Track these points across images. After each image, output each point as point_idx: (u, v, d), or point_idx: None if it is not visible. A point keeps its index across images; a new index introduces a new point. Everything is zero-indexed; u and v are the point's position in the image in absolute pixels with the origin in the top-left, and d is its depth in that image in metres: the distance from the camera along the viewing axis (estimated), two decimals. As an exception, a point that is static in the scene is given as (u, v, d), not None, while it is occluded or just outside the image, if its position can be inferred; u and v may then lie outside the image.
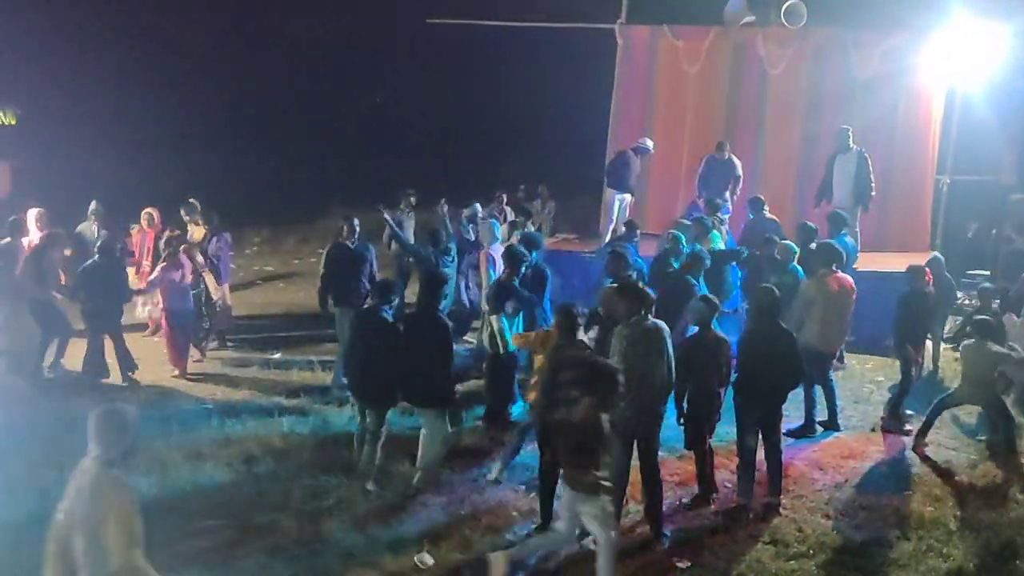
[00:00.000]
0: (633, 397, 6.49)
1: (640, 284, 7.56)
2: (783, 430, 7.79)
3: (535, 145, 23.89)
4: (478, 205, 13.18)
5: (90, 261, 10.44)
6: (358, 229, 10.37)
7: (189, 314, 10.91)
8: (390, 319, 7.88)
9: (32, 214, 11.36)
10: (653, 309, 7.07)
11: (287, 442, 8.60)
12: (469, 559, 6.60)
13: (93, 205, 12.27)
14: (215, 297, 11.65)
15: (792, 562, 6.67)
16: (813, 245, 10.30)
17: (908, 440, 8.98)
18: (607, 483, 5.92)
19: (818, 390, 9.19)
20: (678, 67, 15.03)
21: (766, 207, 12.21)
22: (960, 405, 9.07)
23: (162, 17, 25.82)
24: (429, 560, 6.56)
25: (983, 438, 8.92)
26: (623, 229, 12.45)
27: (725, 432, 7.85)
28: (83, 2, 25.44)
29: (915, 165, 14.28)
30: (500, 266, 9.91)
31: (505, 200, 14.65)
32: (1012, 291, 11.00)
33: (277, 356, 11.71)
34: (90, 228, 12.04)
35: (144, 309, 12.12)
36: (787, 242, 10.58)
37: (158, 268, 10.77)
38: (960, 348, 9.07)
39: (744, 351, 7.52)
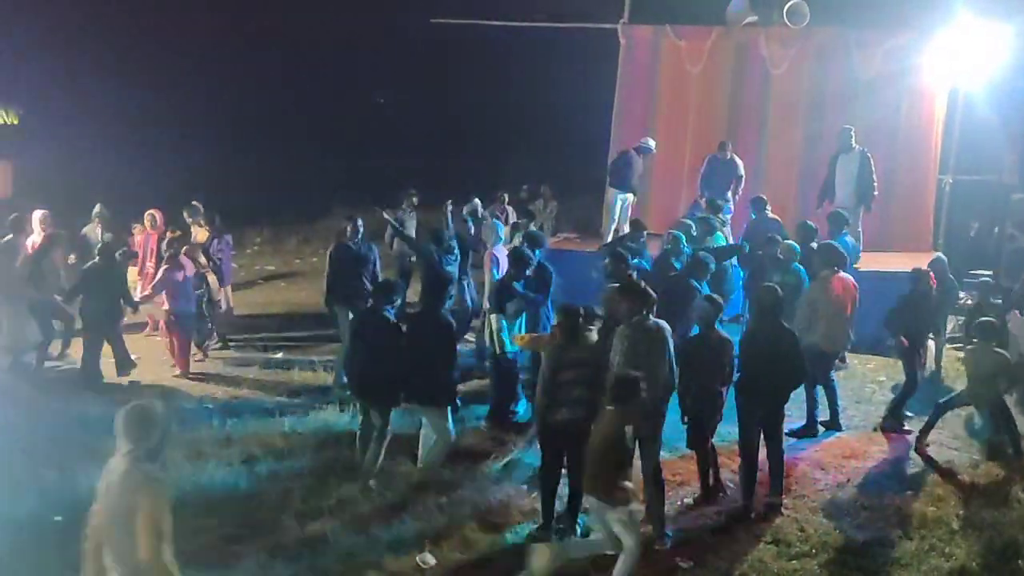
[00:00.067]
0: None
1: (642, 284, 7.55)
2: (785, 430, 7.78)
3: (537, 145, 23.87)
4: (477, 200, 13.17)
5: (90, 263, 10.44)
6: (361, 229, 10.37)
7: (192, 315, 10.92)
8: (392, 319, 7.88)
9: (37, 215, 11.37)
10: (655, 309, 7.06)
11: (288, 442, 8.60)
12: (470, 559, 6.59)
13: (97, 208, 12.24)
14: (217, 298, 11.65)
15: (794, 562, 6.66)
16: (814, 244, 10.29)
17: (910, 440, 8.97)
18: (633, 491, 5.96)
19: (820, 390, 9.18)
20: (680, 67, 15.03)
21: (768, 207, 12.20)
22: (964, 406, 9.06)
23: (163, 17, 25.81)
24: (431, 560, 6.54)
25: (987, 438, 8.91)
26: (626, 229, 12.44)
27: (727, 432, 7.84)
28: (84, 2, 25.46)
29: (917, 165, 14.28)
30: (503, 266, 9.90)
31: (507, 200, 14.64)
32: (1016, 289, 10.99)
33: (278, 356, 11.70)
34: (94, 231, 12.02)
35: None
36: (789, 242, 10.57)
37: (161, 270, 10.78)
38: (964, 352, 9.05)
39: (746, 351, 7.51)
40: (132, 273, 11.83)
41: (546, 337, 7.75)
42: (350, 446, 8.18)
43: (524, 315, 9.18)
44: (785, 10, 14.36)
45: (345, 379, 9.01)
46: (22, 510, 6.81)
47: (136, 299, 10.97)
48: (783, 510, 7.38)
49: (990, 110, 14.01)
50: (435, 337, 7.66)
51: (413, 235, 12.65)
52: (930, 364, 10.56)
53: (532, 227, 12.95)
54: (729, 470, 7.84)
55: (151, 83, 25.50)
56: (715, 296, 7.79)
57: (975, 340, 8.85)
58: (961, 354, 11.12)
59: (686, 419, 7.41)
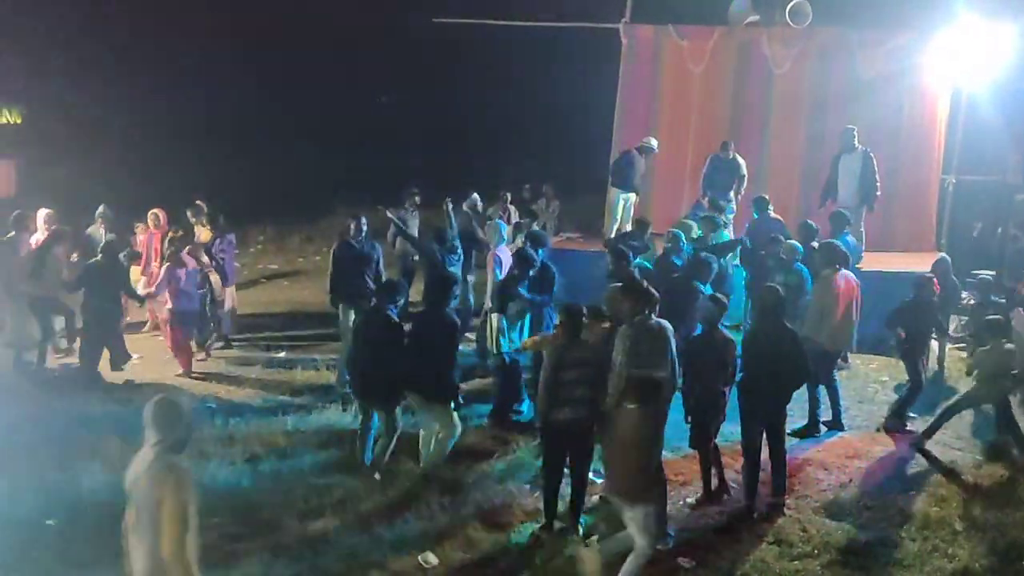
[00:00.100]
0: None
1: (644, 283, 7.56)
2: (787, 430, 7.78)
3: (539, 144, 23.87)
4: (476, 195, 13.16)
5: (93, 260, 10.46)
6: (365, 228, 10.37)
7: (195, 314, 10.92)
8: (395, 319, 7.89)
9: (41, 214, 11.38)
10: (657, 309, 7.07)
11: (290, 441, 8.61)
12: (473, 558, 6.59)
13: (100, 208, 12.25)
14: (220, 297, 11.66)
15: (796, 562, 6.66)
16: (815, 244, 10.28)
17: (913, 440, 8.96)
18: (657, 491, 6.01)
19: (822, 390, 9.17)
20: (683, 67, 15.03)
21: (771, 207, 12.19)
22: (973, 407, 9.04)
23: (166, 16, 25.81)
24: (433, 559, 6.55)
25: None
26: (629, 228, 12.43)
27: (729, 432, 7.84)
28: (87, 1, 25.47)
29: (920, 165, 14.26)
30: (506, 266, 9.91)
31: (509, 199, 14.65)
32: (1020, 289, 10.98)
33: (281, 355, 11.71)
34: (97, 231, 12.03)
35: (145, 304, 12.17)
36: (792, 242, 10.57)
37: (163, 268, 10.80)
38: (976, 353, 9.03)
39: (748, 351, 7.50)
40: (135, 273, 11.85)
41: (552, 337, 7.76)
42: (352, 445, 8.18)
43: (528, 316, 9.19)
44: (787, 10, 14.35)
45: (347, 378, 9.03)
46: (22, 509, 6.82)
47: (139, 294, 11.01)
48: (785, 510, 7.37)
49: (993, 110, 14.00)
50: (441, 336, 7.68)
51: (416, 234, 12.66)
52: (932, 364, 10.56)
53: (535, 227, 12.97)
54: (732, 470, 7.83)
55: (154, 82, 25.52)
56: (719, 296, 7.80)
57: (986, 339, 8.81)
58: (964, 354, 11.13)
59: (689, 419, 7.42)
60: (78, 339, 10.70)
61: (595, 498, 7.29)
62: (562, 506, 7.04)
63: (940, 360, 10.99)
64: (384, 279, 9.76)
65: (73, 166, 21.09)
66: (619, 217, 13.17)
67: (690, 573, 6.51)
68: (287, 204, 21.35)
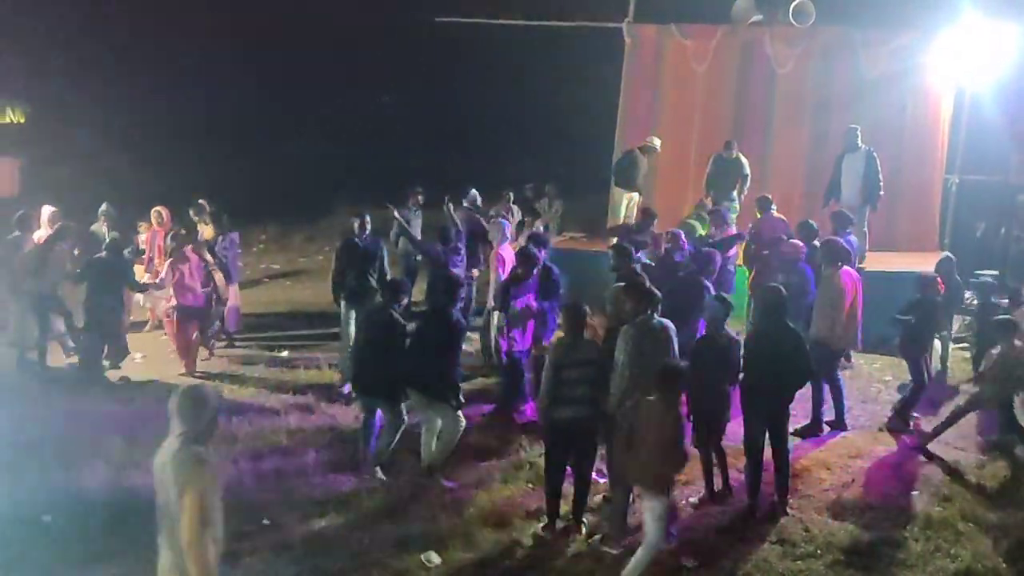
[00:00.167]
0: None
1: (647, 283, 7.55)
2: (790, 429, 7.77)
3: (542, 144, 23.84)
4: (475, 191, 13.16)
5: (96, 255, 10.47)
6: (369, 226, 10.37)
7: (198, 312, 10.93)
8: (399, 318, 7.89)
9: (45, 212, 11.39)
10: (659, 308, 7.06)
11: (293, 440, 8.61)
12: (475, 558, 6.58)
13: (104, 207, 12.27)
14: (224, 296, 11.66)
15: (799, 562, 6.64)
16: (816, 243, 10.27)
17: (916, 440, 8.94)
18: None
19: (826, 390, 9.15)
20: (686, 66, 15.02)
21: (774, 206, 12.18)
22: (982, 408, 9.02)
23: (167, 16, 25.82)
24: (436, 559, 6.54)
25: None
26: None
27: (732, 431, 7.82)
28: (90, 1, 25.49)
29: (924, 164, 14.24)
30: (509, 265, 9.90)
31: (512, 199, 14.64)
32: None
33: (284, 354, 11.71)
34: (100, 229, 12.05)
35: (147, 303, 12.17)
36: (795, 241, 10.56)
37: (166, 265, 10.81)
38: (985, 355, 9.01)
39: (751, 351, 7.48)
40: (139, 271, 11.87)
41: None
42: (355, 444, 8.18)
43: (533, 319, 9.20)
44: (791, 9, 14.34)
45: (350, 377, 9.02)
46: (22, 509, 6.82)
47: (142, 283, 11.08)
48: (788, 510, 7.36)
49: (996, 110, 14.00)
50: (446, 337, 7.68)
51: (419, 234, 12.66)
52: (936, 364, 10.54)
53: (537, 226, 12.98)
54: (735, 469, 7.82)
55: (156, 81, 25.53)
56: (725, 296, 7.79)
57: (995, 340, 8.77)
58: (967, 354, 11.12)
59: (692, 418, 7.40)
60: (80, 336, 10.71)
61: (598, 498, 7.29)
62: (565, 505, 7.02)
63: (943, 360, 10.97)
64: (388, 278, 9.77)
65: (76, 165, 21.12)
66: (622, 217, 13.18)
67: (693, 573, 6.50)
68: (288, 204, 21.35)
